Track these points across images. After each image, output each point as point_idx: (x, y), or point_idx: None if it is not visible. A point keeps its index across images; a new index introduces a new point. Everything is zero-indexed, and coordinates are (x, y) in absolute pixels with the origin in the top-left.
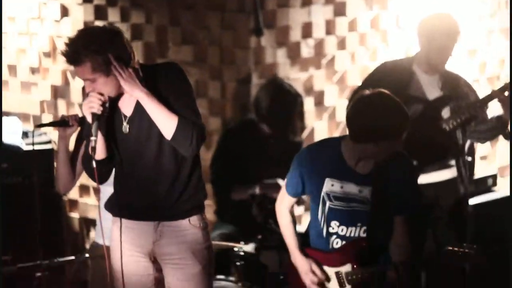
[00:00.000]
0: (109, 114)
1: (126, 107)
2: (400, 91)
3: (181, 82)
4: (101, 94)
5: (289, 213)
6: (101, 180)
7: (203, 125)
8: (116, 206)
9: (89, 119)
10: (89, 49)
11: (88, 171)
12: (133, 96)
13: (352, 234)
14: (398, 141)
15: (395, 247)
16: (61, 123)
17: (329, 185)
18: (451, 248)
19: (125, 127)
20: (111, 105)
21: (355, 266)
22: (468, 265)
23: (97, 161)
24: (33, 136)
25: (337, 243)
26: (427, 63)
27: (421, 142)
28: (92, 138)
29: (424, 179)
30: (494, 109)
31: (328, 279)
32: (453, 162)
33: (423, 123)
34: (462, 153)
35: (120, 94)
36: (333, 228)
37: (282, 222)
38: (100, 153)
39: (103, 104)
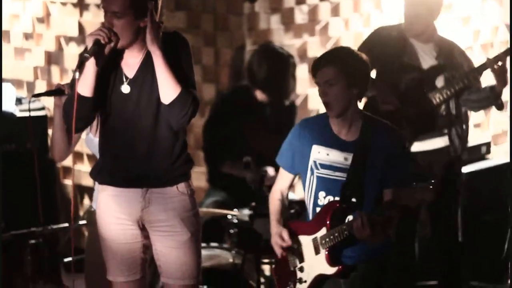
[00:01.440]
0: (109, 68)
1: (129, 68)
2: (395, 58)
3: (186, 55)
4: (114, 34)
5: (281, 193)
6: (79, 124)
7: (199, 101)
8: (104, 173)
9: (89, 44)
10: None
11: (67, 109)
12: (150, 48)
13: None
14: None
15: None
16: (57, 92)
17: (316, 152)
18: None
19: (126, 87)
20: (113, 62)
21: (328, 228)
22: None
23: (79, 96)
24: (22, 103)
25: None
26: (406, 29)
27: (415, 110)
28: (86, 54)
29: (417, 147)
30: (488, 79)
31: (298, 243)
32: (446, 130)
33: (417, 91)
34: (455, 122)
35: (121, 51)
36: (320, 200)
37: (271, 199)
38: (86, 88)
39: (109, 38)
